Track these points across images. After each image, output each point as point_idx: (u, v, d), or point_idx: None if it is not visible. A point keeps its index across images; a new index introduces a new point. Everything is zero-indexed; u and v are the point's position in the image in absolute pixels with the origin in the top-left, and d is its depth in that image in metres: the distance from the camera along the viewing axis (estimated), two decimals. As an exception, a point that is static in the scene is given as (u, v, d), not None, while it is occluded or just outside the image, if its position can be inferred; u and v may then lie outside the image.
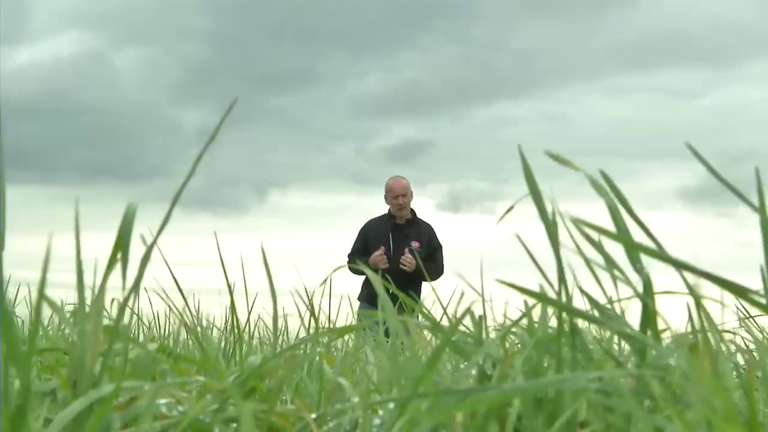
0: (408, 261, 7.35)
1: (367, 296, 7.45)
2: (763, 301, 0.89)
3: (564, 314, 0.99)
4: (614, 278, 1.01)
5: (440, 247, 7.79)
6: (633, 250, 0.98)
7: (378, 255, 7.42)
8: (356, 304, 7.31)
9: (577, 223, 0.99)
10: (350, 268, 7.31)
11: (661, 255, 0.92)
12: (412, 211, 7.84)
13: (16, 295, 2.93)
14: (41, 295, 0.66)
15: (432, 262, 7.53)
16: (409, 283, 7.15)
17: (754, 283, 0.98)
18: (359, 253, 7.67)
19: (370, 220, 7.91)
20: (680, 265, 0.90)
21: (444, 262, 7.76)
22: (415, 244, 7.59)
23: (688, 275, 0.92)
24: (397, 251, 7.52)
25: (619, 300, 1.09)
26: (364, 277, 7.56)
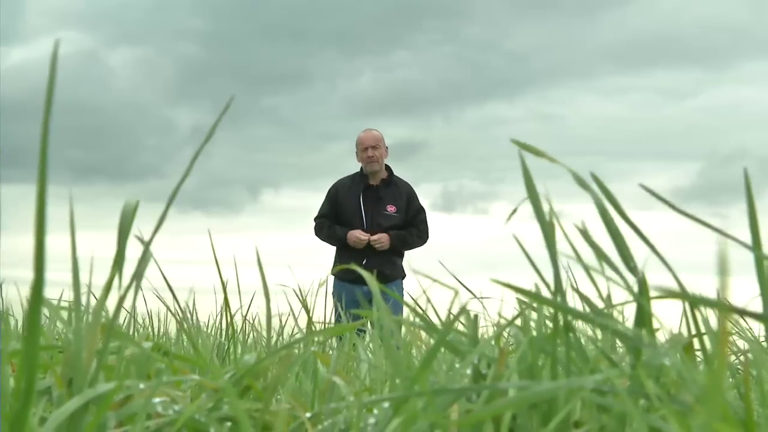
0: (380, 243, 6.45)
1: (341, 272, 6.37)
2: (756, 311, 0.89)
3: (559, 314, 0.99)
4: (608, 276, 1.02)
5: (422, 209, 6.81)
6: (625, 250, 0.99)
7: (358, 236, 6.47)
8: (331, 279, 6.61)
9: (577, 227, 1.00)
10: (318, 234, 6.71)
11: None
12: (388, 170, 6.80)
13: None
14: (40, 294, 0.66)
15: (413, 228, 6.67)
16: (384, 255, 6.48)
17: (749, 283, 0.98)
18: (327, 218, 6.74)
19: (340, 180, 6.88)
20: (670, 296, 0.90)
21: (428, 227, 6.79)
22: (390, 209, 6.64)
23: (685, 276, 0.92)
24: (371, 217, 6.60)
25: (612, 303, 1.09)
26: (335, 247, 6.72)
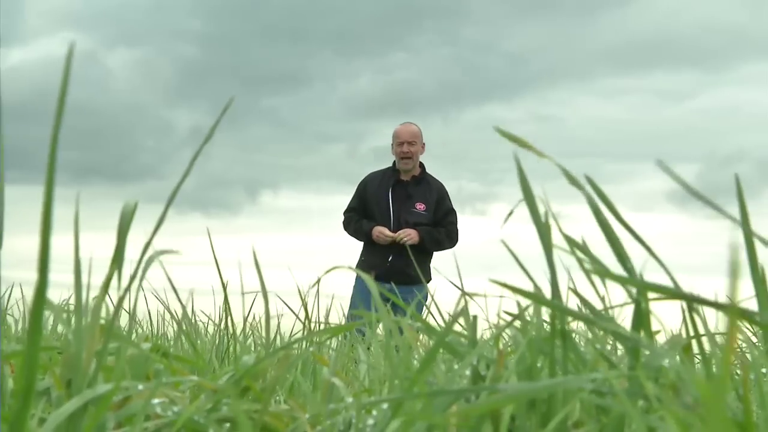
0: (407, 236, 6.15)
1: (366, 267, 6.10)
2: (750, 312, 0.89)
3: (557, 314, 1.00)
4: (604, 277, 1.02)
5: (453, 211, 6.47)
6: (622, 255, 0.99)
7: (382, 231, 6.20)
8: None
9: (570, 242, 1.00)
10: (345, 228, 6.51)
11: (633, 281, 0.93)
12: (421, 166, 6.50)
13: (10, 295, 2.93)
14: (43, 296, 0.66)
15: (442, 228, 6.35)
16: (413, 254, 5.90)
17: (746, 284, 0.99)
18: (356, 213, 6.49)
19: (371, 174, 6.58)
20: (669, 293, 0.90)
21: (458, 229, 6.46)
22: (419, 207, 6.33)
23: (682, 277, 0.93)
24: (399, 214, 6.30)
25: (607, 305, 1.09)
26: (363, 242, 6.48)
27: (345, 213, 6.57)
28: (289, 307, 2.36)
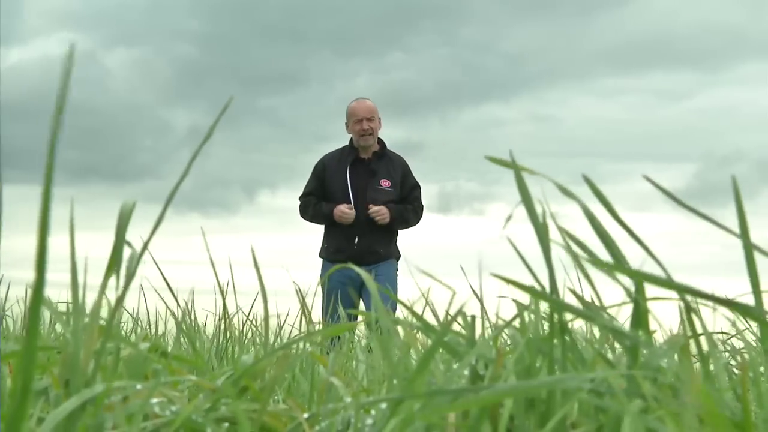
0: (380, 215, 5.85)
1: (332, 251, 5.98)
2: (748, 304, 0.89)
3: (555, 314, 1.00)
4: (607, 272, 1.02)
5: (418, 185, 6.20)
6: (619, 263, 0.99)
7: (343, 209, 5.87)
8: (318, 261, 6.14)
9: (564, 234, 1.00)
10: (303, 214, 6.14)
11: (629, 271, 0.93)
12: (381, 142, 6.17)
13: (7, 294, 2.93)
14: (40, 294, 0.66)
15: (408, 205, 6.07)
16: (377, 233, 5.91)
17: (744, 284, 0.99)
18: (314, 197, 6.10)
19: (327, 154, 6.21)
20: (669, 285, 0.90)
21: (422, 204, 6.19)
22: (384, 183, 6.01)
23: (679, 277, 0.92)
24: (361, 193, 5.96)
25: (608, 303, 1.09)
26: (324, 226, 6.13)
27: (301, 198, 6.20)
28: (287, 309, 2.37)
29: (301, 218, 6.20)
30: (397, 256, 6.11)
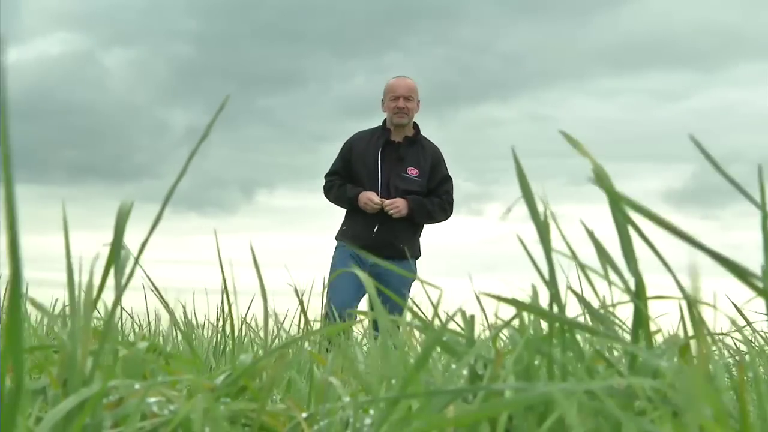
0: (395, 208, 5.34)
1: (349, 236, 5.48)
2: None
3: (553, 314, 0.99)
4: (609, 280, 1.02)
5: (449, 178, 5.63)
6: (630, 255, 0.99)
7: (371, 197, 5.34)
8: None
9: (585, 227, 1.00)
10: (327, 194, 5.66)
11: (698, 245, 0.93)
12: (416, 127, 5.62)
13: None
14: (17, 292, 0.65)
15: (435, 198, 5.52)
16: (400, 224, 5.40)
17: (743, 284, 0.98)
18: (339, 176, 5.60)
19: (358, 133, 5.68)
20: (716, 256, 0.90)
21: (452, 199, 5.60)
22: (412, 172, 5.48)
23: (680, 278, 0.92)
24: (388, 179, 5.45)
25: (610, 303, 1.09)
26: (346, 210, 5.64)
27: (326, 177, 5.69)
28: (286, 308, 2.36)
29: (326, 198, 5.73)
30: (418, 255, 5.62)
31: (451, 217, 5.65)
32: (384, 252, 5.24)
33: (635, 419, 0.81)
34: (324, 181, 5.72)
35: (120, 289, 0.93)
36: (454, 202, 5.64)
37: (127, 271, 0.94)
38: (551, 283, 0.99)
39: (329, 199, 5.66)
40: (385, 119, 5.61)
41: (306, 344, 1.85)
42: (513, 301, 0.96)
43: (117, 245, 0.92)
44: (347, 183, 5.55)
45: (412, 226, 5.49)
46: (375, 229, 5.42)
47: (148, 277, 1.92)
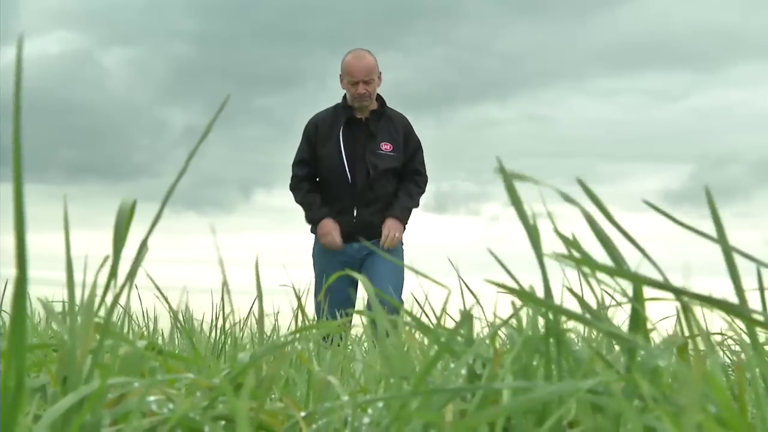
0: (392, 239, 5.11)
1: None
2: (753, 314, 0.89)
3: (552, 315, 1.00)
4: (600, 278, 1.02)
5: (420, 146, 5.39)
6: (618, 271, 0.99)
7: (331, 234, 5.12)
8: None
9: (565, 241, 1.00)
10: (292, 192, 5.37)
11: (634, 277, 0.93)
12: (380, 99, 5.30)
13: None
14: (23, 290, 0.66)
15: (410, 184, 5.29)
16: (379, 205, 5.20)
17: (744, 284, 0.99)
18: (307, 166, 5.29)
19: (319, 113, 5.34)
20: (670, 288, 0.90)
21: (424, 167, 5.39)
22: (385, 147, 5.19)
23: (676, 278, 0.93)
24: (359, 159, 5.15)
25: (606, 304, 1.10)
26: (319, 195, 5.31)
27: (294, 168, 5.39)
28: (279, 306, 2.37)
29: (292, 195, 5.44)
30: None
31: (428, 185, 5.47)
32: (366, 233, 5.11)
33: (637, 416, 0.81)
34: (291, 173, 5.43)
35: (121, 288, 0.93)
36: (426, 172, 5.44)
37: (130, 270, 0.95)
38: (545, 283, 0.99)
39: (295, 199, 5.41)
40: (345, 95, 5.33)
41: (306, 344, 1.86)
42: (518, 292, 0.96)
43: (118, 244, 0.92)
44: (314, 189, 5.31)
45: (389, 206, 5.28)
46: (354, 213, 5.20)
47: (149, 276, 1.92)
